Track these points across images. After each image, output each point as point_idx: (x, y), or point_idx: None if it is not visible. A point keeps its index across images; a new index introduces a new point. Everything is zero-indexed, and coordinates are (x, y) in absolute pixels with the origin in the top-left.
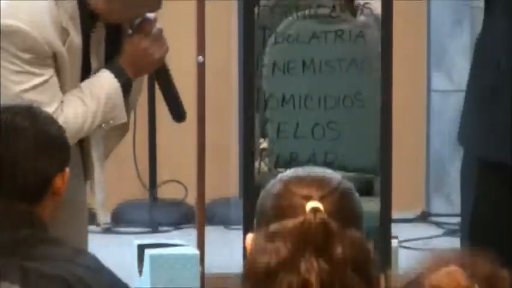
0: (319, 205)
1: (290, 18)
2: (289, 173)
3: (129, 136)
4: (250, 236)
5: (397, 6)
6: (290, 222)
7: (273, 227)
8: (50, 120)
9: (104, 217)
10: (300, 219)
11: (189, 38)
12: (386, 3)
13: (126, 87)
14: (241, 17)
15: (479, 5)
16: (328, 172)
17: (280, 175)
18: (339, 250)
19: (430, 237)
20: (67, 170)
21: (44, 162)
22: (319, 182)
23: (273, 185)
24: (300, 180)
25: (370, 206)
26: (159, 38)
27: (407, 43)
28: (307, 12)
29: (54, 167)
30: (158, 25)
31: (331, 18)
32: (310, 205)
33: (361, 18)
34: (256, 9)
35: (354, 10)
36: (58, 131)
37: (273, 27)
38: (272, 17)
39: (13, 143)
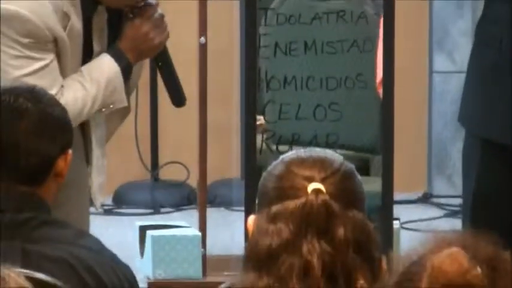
0: (321, 186)
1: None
2: (290, 154)
3: (130, 118)
4: (251, 218)
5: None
6: (292, 204)
7: (275, 208)
8: (53, 101)
9: (100, 202)
10: (302, 200)
11: (191, 19)
12: None
13: (127, 72)
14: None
15: None
16: (329, 153)
17: (281, 156)
18: (340, 232)
19: (432, 219)
20: (69, 152)
21: (46, 143)
22: (321, 164)
23: (275, 167)
24: (301, 161)
25: (367, 186)
26: (160, 23)
27: (409, 24)
28: None
29: (56, 149)
30: (160, 10)
31: None
32: (312, 186)
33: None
34: None
35: None
36: (61, 112)
37: (274, 7)
38: None
39: (15, 124)
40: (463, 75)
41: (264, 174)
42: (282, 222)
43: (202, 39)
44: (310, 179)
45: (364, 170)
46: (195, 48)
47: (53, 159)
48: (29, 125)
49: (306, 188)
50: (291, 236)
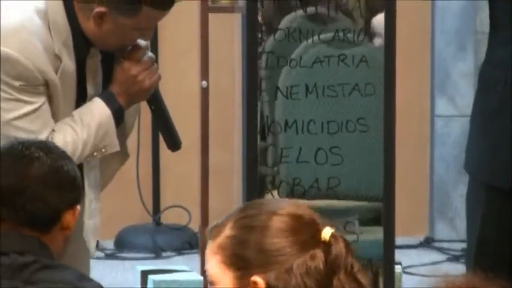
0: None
1: (292, 41)
2: (281, 205)
3: (132, 161)
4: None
5: (400, 31)
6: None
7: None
8: (65, 155)
9: (93, 245)
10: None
11: (193, 62)
12: (389, 28)
13: (119, 115)
14: (245, 42)
15: (483, 30)
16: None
17: (268, 209)
18: None
19: (434, 263)
20: (78, 207)
21: (54, 194)
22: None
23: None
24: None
25: (378, 235)
26: (150, 66)
27: (411, 68)
28: (309, 36)
29: (64, 202)
30: (149, 52)
31: (337, 41)
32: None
33: (379, 40)
34: (259, 34)
35: (370, 32)
36: (72, 168)
37: (276, 52)
38: (274, 41)
39: (25, 170)
40: (465, 119)
41: (256, 230)
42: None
43: (204, 82)
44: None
45: (377, 219)
46: (196, 91)
47: (60, 211)
48: (38, 173)
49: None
50: None
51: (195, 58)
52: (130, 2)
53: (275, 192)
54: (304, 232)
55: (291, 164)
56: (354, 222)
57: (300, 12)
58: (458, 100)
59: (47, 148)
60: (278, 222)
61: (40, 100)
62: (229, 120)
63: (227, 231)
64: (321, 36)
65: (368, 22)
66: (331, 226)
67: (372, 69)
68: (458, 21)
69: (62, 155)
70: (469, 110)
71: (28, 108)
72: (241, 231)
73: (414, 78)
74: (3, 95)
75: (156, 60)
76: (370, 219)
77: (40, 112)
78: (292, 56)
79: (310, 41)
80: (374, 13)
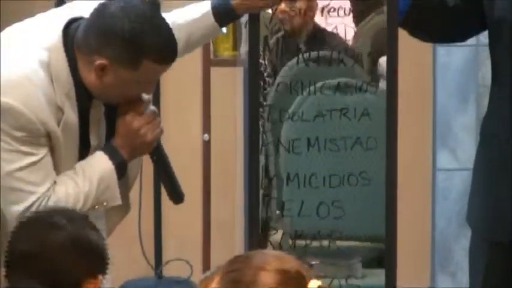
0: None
1: (295, 96)
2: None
3: (134, 214)
4: None
5: (402, 85)
6: None
7: None
8: (89, 225)
9: None
10: None
11: (195, 115)
12: (391, 79)
13: (121, 169)
14: (246, 95)
15: (485, 84)
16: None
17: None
18: None
19: None
20: (100, 277)
21: (74, 262)
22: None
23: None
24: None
25: (381, 279)
26: (152, 119)
27: (412, 121)
28: (312, 90)
29: (83, 271)
30: (152, 106)
31: (335, 95)
32: (315, 285)
33: (382, 83)
34: (261, 88)
35: (377, 77)
36: (96, 237)
37: (278, 105)
38: (276, 94)
39: (46, 239)
40: (466, 173)
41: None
42: None
43: (206, 136)
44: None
45: (380, 261)
46: (199, 144)
47: (79, 280)
48: (58, 239)
49: None
50: None
51: (197, 111)
52: (131, 56)
53: (277, 245)
54: (291, 286)
55: (293, 217)
56: (356, 264)
57: (302, 59)
58: (459, 153)
59: (71, 216)
60: (265, 278)
61: (42, 152)
62: (231, 173)
63: (215, 284)
64: (323, 88)
65: (371, 67)
66: (318, 278)
67: (374, 123)
68: (460, 74)
69: (86, 223)
70: (470, 164)
71: (30, 159)
72: (229, 285)
73: (416, 131)
74: (5, 146)
75: (159, 113)
76: (373, 260)
77: (42, 164)
78: (294, 110)
79: (312, 94)
80: (377, 56)
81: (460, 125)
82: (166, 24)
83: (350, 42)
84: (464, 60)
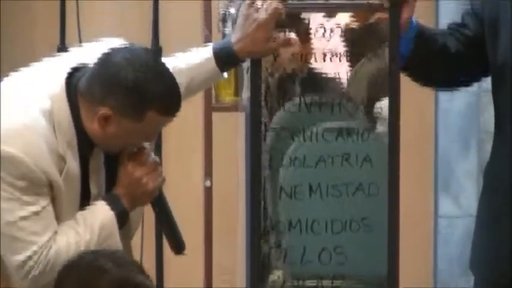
0: None
1: (296, 141)
2: None
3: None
4: None
5: (404, 129)
6: None
7: None
8: (137, 268)
9: None
10: None
11: (197, 161)
12: (393, 125)
13: (122, 218)
14: (248, 141)
15: (486, 129)
16: None
17: None
18: None
19: None
20: None
21: None
22: None
23: None
24: None
25: None
26: (154, 169)
27: (414, 167)
28: (313, 136)
29: None
30: (153, 155)
31: (337, 140)
32: None
33: (381, 128)
34: (262, 133)
35: (374, 118)
36: (143, 280)
37: (279, 151)
38: (279, 140)
39: (93, 282)
40: (468, 219)
41: None
42: None
43: (208, 182)
44: None
45: None
46: (200, 190)
47: None
48: (104, 283)
49: None
50: None
51: (199, 157)
52: (135, 107)
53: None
54: None
55: (295, 264)
56: None
57: (303, 104)
58: (461, 199)
59: (117, 260)
60: None
61: (43, 201)
62: (233, 219)
63: None
64: (325, 133)
65: (368, 112)
66: None
67: (376, 169)
68: (461, 120)
69: (133, 267)
70: (472, 210)
71: (31, 209)
72: None
73: (418, 177)
74: (6, 195)
75: (160, 158)
76: None
77: (43, 214)
78: (296, 155)
79: (313, 139)
80: (373, 101)
81: (462, 171)
82: (171, 75)
83: (346, 87)
84: (466, 105)
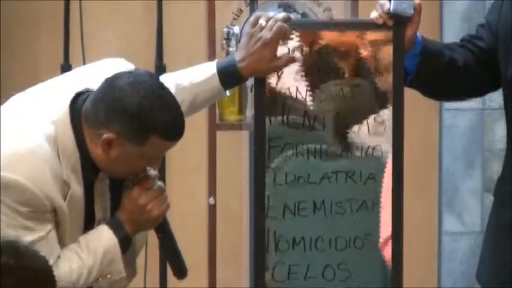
0: None
1: (300, 158)
2: None
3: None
4: None
5: (408, 147)
6: None
7: None
8: (33, 254)
9: None
10: None
11: (201, 179)
12: (397, 144)
13: (125, 243)
14: (252, 159)
15: (490, 148)
16: None
17: None
18: None
19: None
20: None
21: None
22: None
23: None
24: None
25: None
26: (158, 195)
27: (418, 185)
28: (318, 152)
29: None
30: (158, 181)
31: (341, 157)
32: None
33: (353, 156)
34: (267, 150)
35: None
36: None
37: (283, 168)
38: (283, 156)
39: None
40: (473, 236)
41: None
42: None
43: (212, 199)
44: None
45: None
46: (204, 209)
47: None
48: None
49: None
50: None
51: (203, 175)
52: (138, 131)
53: None
54: None
55: (298, 281)
56: None
57: (308, 127)
58: (465, 217)
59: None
60: None
61: (47, 227)
62: (237, 237)
63: None
64: (329, 152)
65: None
66: None
67: (380, 186)
68: (466, 139)
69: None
70: (476, 227)
71: (35, 235)
72: None
73: (422, 195)
74: (10, 221)
75: (164, 176)
76: None
77: (46, 239)
78: (301, 173)
79: (318, 157)
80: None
81: (466, 188)
82: (175, 100)
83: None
84: (470, 124)
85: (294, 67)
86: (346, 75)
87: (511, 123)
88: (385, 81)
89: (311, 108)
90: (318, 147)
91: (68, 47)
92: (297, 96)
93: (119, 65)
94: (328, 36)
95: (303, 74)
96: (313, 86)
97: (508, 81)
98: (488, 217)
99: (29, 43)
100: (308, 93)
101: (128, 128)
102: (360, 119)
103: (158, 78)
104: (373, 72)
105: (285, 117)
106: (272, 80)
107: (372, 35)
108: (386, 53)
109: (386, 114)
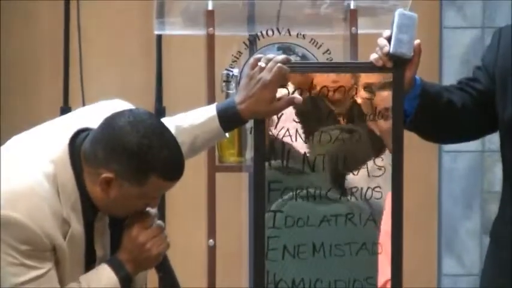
0: None
1: (300, 201)
2: None
3: None
4: None
5: (407, 190)
6: None
7: None
8: None
9: None
10: None
11: (201, 221)
12: (396, 186)
13: (125, 282)
14: (251, 201)
15: (489, 190)
16: None
17: None
18: None
19: None
20: None
21: None
22: None
23: None
24: None
25: None
26: (158, 234)
27: (418, 227)
28: (317, 195)
29: None
30: (158, 220)
31: (340, 200)
32: None
33: (352, 199)
34: (266, 192)
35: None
36: None
37: (283, 211)
38: (282, 199)
39: None
40: (472, 278)
41: None
42: None
43: (211, 241)
44: None
45: None
46: (204, 250)
47: None
48: None
49: None
50: None
51: (202, 217)
52: (138, 171)
53: None
54: None
55: None
56: None
57: (308, 171)
58: (465, 259)
59: None
60: None
61: (47, 266)
62: (237, 279)
63: None
64: (329, 195)
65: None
66: None
67: (379, 228)
68: (465, 181)
69: None
70: (475, 269)
71: (34, 273)
72: None
73: (421, 237)
74: (10, 259)
75: (164, 217)
76: None
77: (46, 278)
78: (300, 215)
79: (318, 200)
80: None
81: (465, 230)
82: (174, 140)
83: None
84: (470, 166)
85: (294, 109)
86: (345, 119)
87: (507, 164)
88: (385, 123)
89: (310, 151)
90: (318, 191)
91: (67, 89)
92: (296, 138)
93: (119, 105)
94: (326, 80)
95: (302, 116)
96: (312, 129)
97: (505, 123)
98: (485, 258)
99: (29, 85)
100: (307, 136)
101: (127, 167)
102: (359, 162)
103: (158, 118)
104: (373, 116)
105: (284, 161)
106: (272, 122)
107: (371, 78)
108: (385, 96)
109: (386, 156)
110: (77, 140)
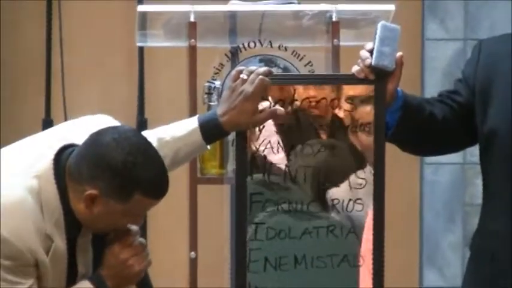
0: None
1: (282, 214)
2: None
3: None
4: None
5: (389, 202)
6: None
7: None
8: None
9: None
10: None
11: (182, 233)
12: (378, 199)
13: None
14: (233, 212)
15: (472, 202)
16: None
17: None
18: None
19: None
20: None
21: None
22: None
23: None
24: None
25: None
26: (140, 251)
27: (400, 240)
28: (299, 207)
29: None
30: (140, 237)
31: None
32: None
33: (333, 214)
34: (248, 205)
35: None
36: None
37: (265, 223)
38: (264, 211)
39: None
40: None
41: None
42: None
43: (193, 253)
44: None
45: None
46: (185, 262)
47: None
48: None
49: None
50: None
51: (184, 228)
52: (122, 189)
53: None
54: None
55: None
56: None
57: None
58: (446, 271)
59: None
60: None
61: (29, 281)
62: None
63: None
64: (310, 207)
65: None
66: None
67: (360, 241)
68: (447, 193)
69: None
70: (457, 282)
71: None
72: None
73: (403, 250)
74: None
75: (145, 231)
76: None
77: None
78: (282, 227)
79: (300, 213)
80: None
81: (446, 243)
82: (159, 158)
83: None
84: (452, 178)
85: (276, 121)
86: (327, 132)
87: (486, 176)
88: (366, 138)
89: (292, 164)
90: (299, 205)
91: (49, 101)
92: (278, 151)
93: (104, 121)
94: (308, 92)
95: (284, 129)
96: (294, 142)
97: (484, 135)
98: (465, 271)
99: (11, 97)
100: (289, 149)
101: (111, 185)
102: (341, 175)
103: (142, 135)
104: (354, 129)
105: (266, 174)
106: (253, 135)
107: (353, 90)
108: (367, 111)
109: (368, 169)
110: (62, 156)
